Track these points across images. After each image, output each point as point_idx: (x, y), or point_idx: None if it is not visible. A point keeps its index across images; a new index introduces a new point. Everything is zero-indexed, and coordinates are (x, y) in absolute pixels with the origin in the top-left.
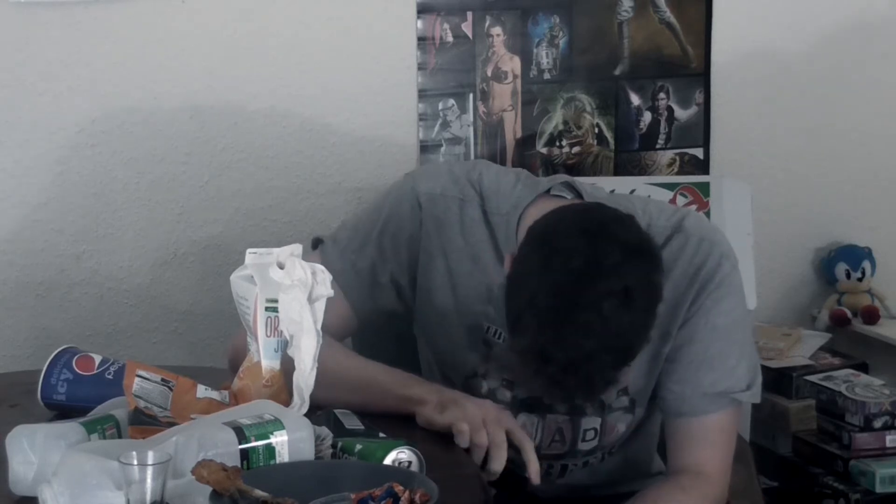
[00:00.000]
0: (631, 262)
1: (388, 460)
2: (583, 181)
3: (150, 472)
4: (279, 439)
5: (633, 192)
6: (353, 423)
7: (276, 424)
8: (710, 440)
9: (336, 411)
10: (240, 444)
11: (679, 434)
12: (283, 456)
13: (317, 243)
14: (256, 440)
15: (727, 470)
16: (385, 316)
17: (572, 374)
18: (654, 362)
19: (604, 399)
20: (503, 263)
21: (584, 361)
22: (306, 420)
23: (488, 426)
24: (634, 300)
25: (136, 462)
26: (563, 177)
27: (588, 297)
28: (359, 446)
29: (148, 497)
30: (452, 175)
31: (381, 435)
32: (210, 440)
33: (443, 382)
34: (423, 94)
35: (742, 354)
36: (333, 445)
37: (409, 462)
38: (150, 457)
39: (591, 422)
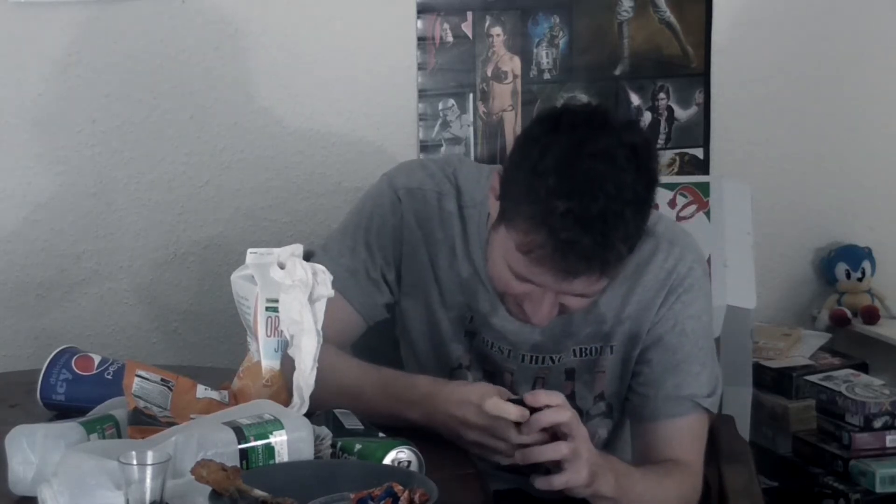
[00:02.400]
0: (632, 128)
1: (387, 460)
2: None
3: (149, 471)
4: (278, 439)
5: None
6: (352, 422)
7: (276, 424)
8: (677, 441)
9: (336, 411)
10: (239, 443)
11: (646, 437)
12: (282, 456)
13: (308, 256)
14: (256, 440)
15: (700, 464)
16: (389, 311)
17: (587, 231)
18: (625, 365)
19: (581, 406)
20: (469, 256)
21: (599, 217)
22: (306, 420)
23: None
24: (641, 160)
25: (135, 462)
26: None
27: (598, 148)
28: (358, 446)
29: (147, 497)
30: (428, 170)
31: (381, 435)
32: (209, 440)
33: (436, 371)
34: (423, 94)
35: (705, 362)
36: (333, 445)
37: (409, 462)
38: (150, 457)
39: None
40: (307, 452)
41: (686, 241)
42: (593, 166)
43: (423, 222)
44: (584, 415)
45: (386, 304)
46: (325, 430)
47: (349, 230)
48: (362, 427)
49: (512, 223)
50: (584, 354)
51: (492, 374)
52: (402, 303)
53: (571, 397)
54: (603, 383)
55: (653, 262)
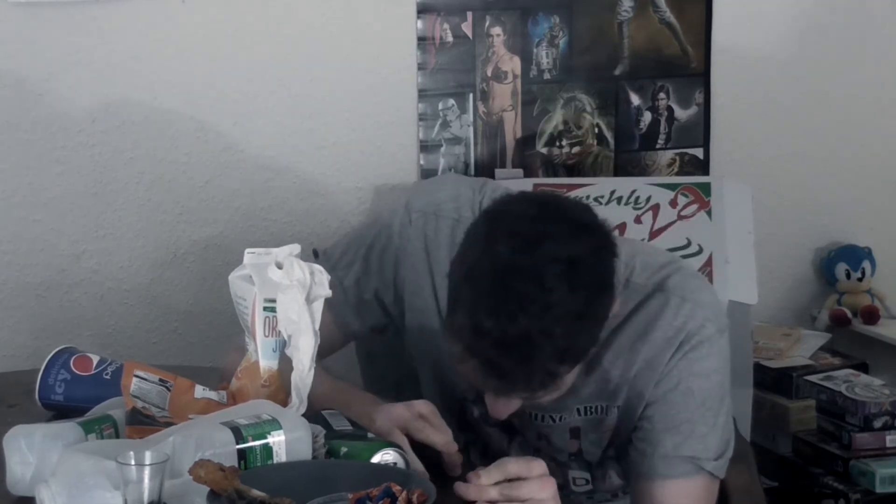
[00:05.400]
0: (579, 236)
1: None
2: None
3: (147, 472)
4: (276, 439)
5: (633, 192)
6: (340, 423)
7: (274, 424)
8: None
9: (324, 412)
10: (237, 443)
11: (642, 497)
12: (280, 456)
13: (315, 255)
14: (254, 440)
15: None
16: (374, 332)
17: (507, 353)
18: (631, 421)
19: (590, 460)
20: None
21: (521, 338)
22: (304, 420)
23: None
24: (580, 275)
25: (133, 462)
26: None
27: (528, 264)
28: (344, 448)
29: (146, 497)
30: (454, 193)
31: (370, 435)
32: (207, 440)
33: (441, 400)
34: (423, 94)
35: (714, 424)
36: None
37: (395, 463)
38: (148, 457)
39: (579, 472)
40: (305, 452)
41: (700, 296)
42: (516, 285)
43: (433, 249)
44: (593, 464)
45: (374, 325)
46: (319, 428)
47: (355, 243)
48: (351, 428)
49: (446, 328)
50: (588, 413)
51: (508, 421)
52: (407, 330)
53: (579, 453)
54: (610, 437)
55: (661, 320)
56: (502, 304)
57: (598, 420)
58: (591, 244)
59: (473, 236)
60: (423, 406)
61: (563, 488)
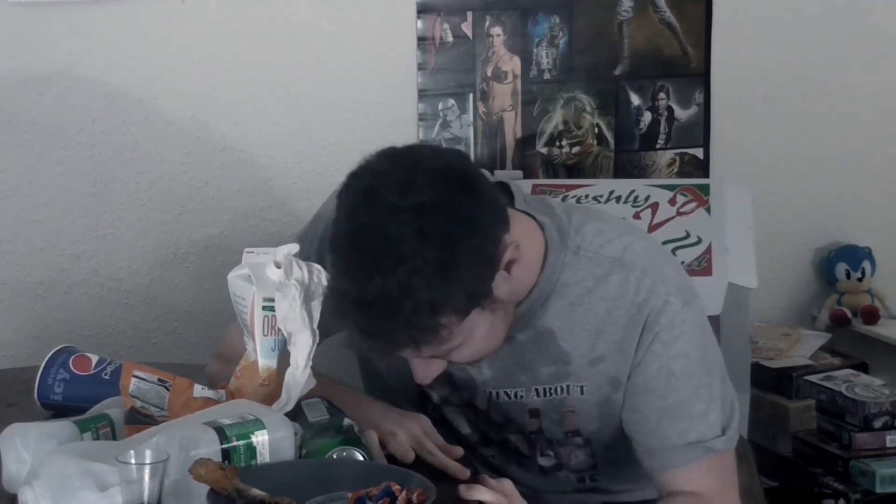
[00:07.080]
0: (429, 183)
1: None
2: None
3: (146, 471)
4: (260, 439)
5: (632, 192)
6: (317, 414)
7: (257, 424)
8: (696, 488)
9: (303, 403)
10: (221, 444)
11: (662, 487)
12: (264, 456)
13: None
14: (238, 440)
15: (719, 493)
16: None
17: (370, 313)
18: (605, 407)
19: (552, 437)
20: None
21: (381, 297)
22: (287, 419)
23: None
24: (430, 221)
25: (133, 461)
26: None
27: (374, 216)
28: (304, 450)
29: (145, 497)
30: None
31: (346, 421)
32: (191, 440)
33: (400, 389)
34: (423, 94)
35: (711, 397)
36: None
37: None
38: (148, 456)
39: (544, 444)
40: (288, 452)
41: (662, 269)
42: (367, 244)
43: None
44: (554, 441)
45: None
46: (296, 426)
47: (306, 239)
48: (327, 417)
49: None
50: (547, 394)
51: (456, 385)
52: None
53: (539, 431)
54: (574, 422)
55: (623, 297)
56: (358, 265)
57: (558, 401)
58: (444, 188)
59: (337, 200)
60: (416, 428)
61: (531, 458)
